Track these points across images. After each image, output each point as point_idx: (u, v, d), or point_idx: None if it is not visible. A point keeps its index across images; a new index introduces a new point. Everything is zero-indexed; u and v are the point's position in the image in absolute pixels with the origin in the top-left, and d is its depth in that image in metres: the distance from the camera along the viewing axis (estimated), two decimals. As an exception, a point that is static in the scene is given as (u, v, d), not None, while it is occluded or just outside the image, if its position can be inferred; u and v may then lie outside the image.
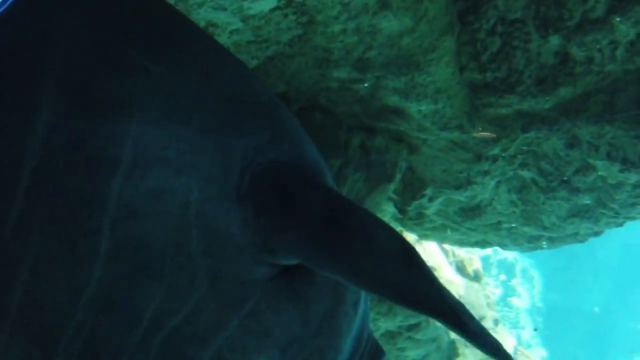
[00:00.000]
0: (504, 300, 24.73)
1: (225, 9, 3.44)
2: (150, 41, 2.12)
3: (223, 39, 3.69)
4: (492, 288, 20.31)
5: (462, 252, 14.43)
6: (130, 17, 2.13)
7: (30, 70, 1.83)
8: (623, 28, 3.74)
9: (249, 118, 2.24)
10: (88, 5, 2.03)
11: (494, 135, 4.41)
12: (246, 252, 2.13)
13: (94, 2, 2.06)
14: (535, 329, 23.32)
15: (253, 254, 2.13)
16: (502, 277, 24.99)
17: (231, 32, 3.68)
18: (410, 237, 7.78)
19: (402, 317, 6.72)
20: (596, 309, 26.01)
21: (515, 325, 24.12)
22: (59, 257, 1.84)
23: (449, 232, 5.67)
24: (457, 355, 8.25)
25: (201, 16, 3.46)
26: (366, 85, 4.12)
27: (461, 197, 4.86)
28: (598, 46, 3.88)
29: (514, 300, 25.23)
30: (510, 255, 24.78)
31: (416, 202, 4.89)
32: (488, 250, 23.27)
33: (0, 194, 1.77)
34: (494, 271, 24.38)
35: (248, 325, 2.21)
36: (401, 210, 5.12)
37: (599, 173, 4.58)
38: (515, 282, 25.38)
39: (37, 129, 1.79)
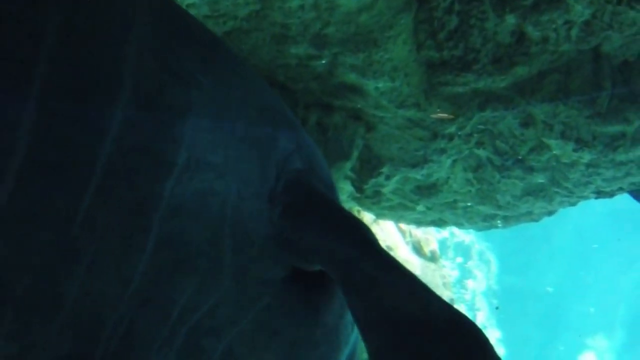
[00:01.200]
0: (460, 282, 25.01)
1: (180, -18, 3.40)
2: (202, 57, 2.33)
3: (178, 12, 3.63)
4: (448, 270, 20.53)
5: (419, 233, 14.54)
6: (188, 35, 2.35)
7: (111, 68, 1.96)
8: (578, 8, 3.77)
9: (280, 129, 2.52)
10: (159, 22, 2.22)
11: (452, 116, 4.42)
12: (269, 251, 2.33)
13: (163, 21, 2.25)
14: (497, 308, 23.63)
15: (275, 253, 2.34)
16: (459, 259, 25.25)
17: (187, 7, 3.63)
18: (367, 216, 7.80)
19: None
20: (549, 289, 26.44)
21: (471, 307, 24.42)
22: (113, 253, 1.95)
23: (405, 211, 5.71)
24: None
25: (156, -11, 3.39)
26: (324, 62, 4.10)
27: (418, 175, 4.88)
28: (553, 26, 3.91)
29: (470, 283, 25.54)
30: (467, 238, 25.04)
31: (373, 180, 4.89)
32: (445, 233, 23.49)
33: (74, 189, 1.86)
34: (450, 254, 24.62)
35: (260, 322, 2.39)
36: (358, 188, 5.12)
37: (553, 152, 4.63)
38: (471, 264, 25.66)
39: (113, 127, 1.91)
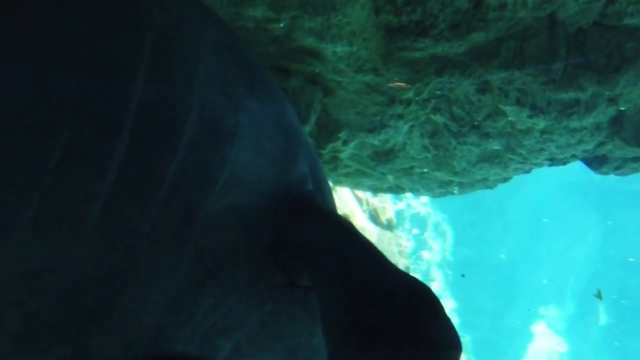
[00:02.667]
0: (416, 253, 25.27)
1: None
2: (249, 81, 2.55)
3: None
4: (404, 241, 20.69)
5: (376, 201, 14.63)
6: (240, 60, 2.58)
7: (183, 90, 2.18)
8: (535, -27, 3.80)
9: (300, 151, 2.73)
10: (220, 48, 2.45)
11: (409, 85, 4.43)
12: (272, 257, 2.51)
13: (223, 47, 2.49)
14: (462, 275, 23.89)
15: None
16: (415, 231, 25.49)
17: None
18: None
19: None
20: (503, 256, 26.82)
21: (426, 277, 24.70)
22: (161, 264, 2.13)
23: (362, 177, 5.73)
24: None
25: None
26: (282, 25, 4.07)
27: (375, 140, 4.89)
28: (511, -8, 3.94)
29: (425, 254, 25.82)
30: (423, 209, 25.27)
31: (331, 145, 4.89)
32: (402, 205, 23.67)
33: (146, 204, 2.08)
34: (407, 225, 24.84)
35: (267, 324, 2.56)
36: (316, 154, 5.13)
37: (509, 118, 4.68)
38: (427, 235, 25.93)
39: (181, 147, 2.13)
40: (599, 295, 19.37)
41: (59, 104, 1.85)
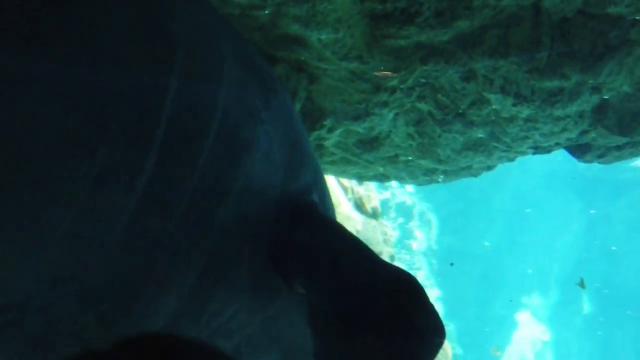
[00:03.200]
0: (401, 242, 25.33)
1: None
2: (265, 95, 2.68)
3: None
4: (390, 231, 20.75)
5: (361, 190, 14.66)
6: (258, 74, 2.70)
7: (205, 107, 2.29)
8: (519, -39, 3.80)
9: (304, 163, 2.88)
10: (240, 62, 2.58)
11: (395, 74, 4.43)
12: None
13: (243, 62, 2.62)
14: (451, 264, 23.96)
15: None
16: (400, 220, 25.54)
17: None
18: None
19: None
20: (487, 244, 26.93)
21: (411, 266, 24.79)
22: (178, 270, 2.24)
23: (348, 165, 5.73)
24: None
25: None
26: (267, 12, 4.06)
27: (360, 128, 4.89)
28: (495, -21, 3.95)
29: (410, 243, 25.89)
30: (408, 199, 25.32)
31: (316, 133, 4.89)
32: (387, 194, 23.71)
33: (171, 218, 2.19)
34: (392, 214, 24.89)
35: (267, 327, 2.71)
36: (301, 142, 5.12)
37: (493, 106, 4.70)
38: (412, 225, 25.99)
39: (201, 159, 2.23)
40: (581, 284, 19.51)
41: (97, 121, 1.91)
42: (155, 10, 2.21)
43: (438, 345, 2.51)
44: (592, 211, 27.90)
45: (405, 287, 2.53)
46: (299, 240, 2.65)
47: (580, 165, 26.34)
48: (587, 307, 27.97)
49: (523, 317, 27.22)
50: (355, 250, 2.69)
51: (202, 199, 2.25)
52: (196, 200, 2.22)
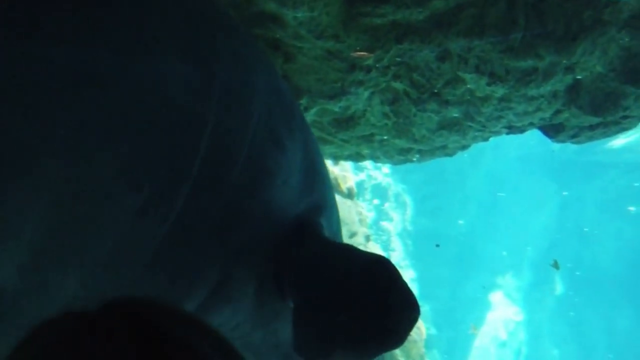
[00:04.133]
0: (376, 223, 25.41)
1: None
2: (288, 122, 2.78)
3: None
4: (365, 212, 20.81)
5: (337, 170, 14.69)
6: (283, 102, 2.83)
7: (238, 137, 2.41)
8: (495, -60, 3.81)
9: (316, 185, 2.99)
10: (270, 90, 2.70)
11: (370, 54, 4.43)
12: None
13: (272, 93, 2.74)
14: (437, 245, 24.03)
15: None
16: (376, 201, 25.61)
17: None
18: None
19: None
20: (461, 222, 27.09)
21: (386, 247, 24.89)
22: (190, 293, 2.37)
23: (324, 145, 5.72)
24: None
25: None
26: (242, -11, 4.05)
27: (335, 107, 4.89)
28: (470, -42, 3.95)
29: (386, 224, 25.98)
30: (384, 180, 25.40)
31: (291, 112, 4.88)
32: (362, 175, 23.75)
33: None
34: (367, 195, 24.95)
35: (268, 338, 2.84)
36: (276, 121, 5.11)
37: (468, 86, 4.72)
38: (387, 206, 26.08)
39: (226, 189, 2.36)
40: (555, 266, 19.75)
41: (147, 158, 2.04)
42: (197, 47, 2.30)
43: (413, 320, 2.59)
44: (565, 193, 28.18)
45: (378, 267, 2.62)
46: (297, 260, 2.71)
47: (554, 148, 26.52)
48: (559, 288, 28.30)
49: (496, 298, 27.50)
50: (339, 252, 2.85)
51: (223, 225, 2.36)
52: (217, 225, 2.34)
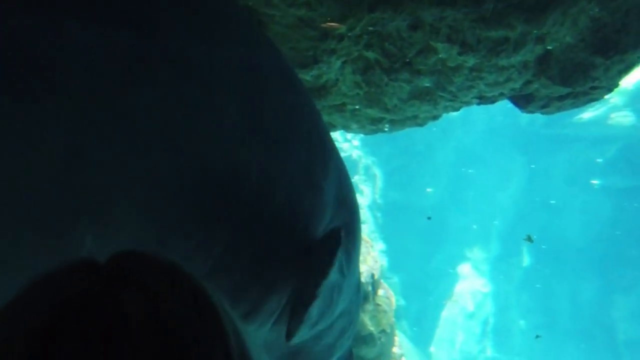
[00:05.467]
0: (346, 196, 25.42)
1: None
2: (325, 164, 2.97)
3: None
4: (335, 184, 20.79)
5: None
6: (321, 147, 2.99)
7: (276, 182, 2.63)
8: None
9: (344, 212, 3.16)
10: (310, 137, 2.88)
11: (342, 25, 4.41)
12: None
13: (315, 135, 2.94)
14: (429, 218, 24.14)
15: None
16: (346, 174, 25.60)
17: None
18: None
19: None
20: (429, 190, 27.22)
21: (356, 219, 24.93)
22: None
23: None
24: None
25: None
26: (213, -44, 3.99)
27: (307, 76, 4.87)
28: None
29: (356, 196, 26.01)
30: (354, 153, 25.41)
31: (263, 80, 4.86)
32: (332, 148, 23.70)
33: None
34: (337, 168, 24.93)
35: (276, 337, 2.93)
36: (248, 90, 5.08)
37: (440, 55, 4.73)
38: (357, 179, 26.13)
39: None
40: (529, 239, 20.05)
41: (196, 216, 2.25)
42: (251, 100, 2.49)
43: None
44: (532, 166, 28.45)
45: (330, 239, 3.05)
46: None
47: (522, 121, 26.66)
48: (526, 260, 28.65)
49: (465, 270, 27.80)
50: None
51: (258, 263, 2.56)
52: (253, 263, 2.54)
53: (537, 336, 24.15)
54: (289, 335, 2.75)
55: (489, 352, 26.78)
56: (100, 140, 1.95)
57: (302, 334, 2.83)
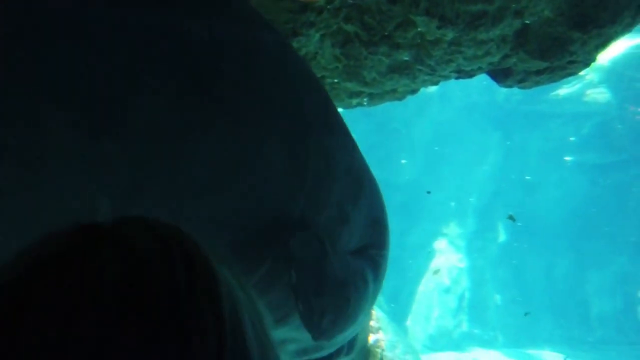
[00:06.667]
0: (323, 173, 25.43)
1: None
2: (355, 195, 3.14)
3: None
4: (312, 161, 20.81)
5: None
6: (354, 176, 3.19)
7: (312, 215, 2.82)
8: None
9: (372, 232, 3.44)
10: (348, 171, 3.11)
11: (319, 0, 4.40)
12: None
13: (352, 169, 3.18)
14: (428, 192, 24.12)
15: None
16: (322, 150, 25.60)
17: None
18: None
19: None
20: (403, 161, 27.26)
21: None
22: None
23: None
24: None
25: None
26: None
27: (286, 49, 4.85)
28: None
29: (333, 174, 26.01)
30: (330, 129, 25.37)
31: (242, 53, 4.83)
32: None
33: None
34: (314, 145, 24.92)
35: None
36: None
37: (419, 29, 4.73)
38: (334, 155, 26.12)
39: None
40: (511, 219, 20.27)
41: (240, 249, 2.48)
42: (297, 146, 2.68)
43: None
44: (508, 142, 28.62)
45: None
46: None
47: (499, 98, 26.71)
48: (502, 236, 28.90)
49: (441, 246, 27.98)
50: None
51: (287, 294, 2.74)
52: (283, 286, 2.73)
53: (526, 313, 24.50)
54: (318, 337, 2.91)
55: (465, 326, 27.05)
56: (160, 178, 2.22)
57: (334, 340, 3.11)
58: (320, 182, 2.79)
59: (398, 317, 25.09)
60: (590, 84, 25.63)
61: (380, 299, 23.75)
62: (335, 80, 5.40)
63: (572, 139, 27.67)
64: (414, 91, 5.83)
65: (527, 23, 4.96)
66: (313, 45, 4.82)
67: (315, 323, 2.79)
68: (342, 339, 3.39)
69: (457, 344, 26.02)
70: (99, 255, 0.92)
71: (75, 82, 2.05)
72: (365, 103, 5.77)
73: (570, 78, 6.02)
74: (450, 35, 4.76)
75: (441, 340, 25.87)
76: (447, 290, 26.97)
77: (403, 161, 27.34)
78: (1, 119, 2.00)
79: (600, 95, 26.19)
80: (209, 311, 0.94)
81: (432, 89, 6.00)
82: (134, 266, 0.92)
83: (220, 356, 0.90)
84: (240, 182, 2.43)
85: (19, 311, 0.84)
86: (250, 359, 0.95)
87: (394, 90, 5.62)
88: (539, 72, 5.43)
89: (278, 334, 2.99)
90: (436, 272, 24.93)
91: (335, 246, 2.96)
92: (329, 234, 2.89)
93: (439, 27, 4.66)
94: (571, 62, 5.32)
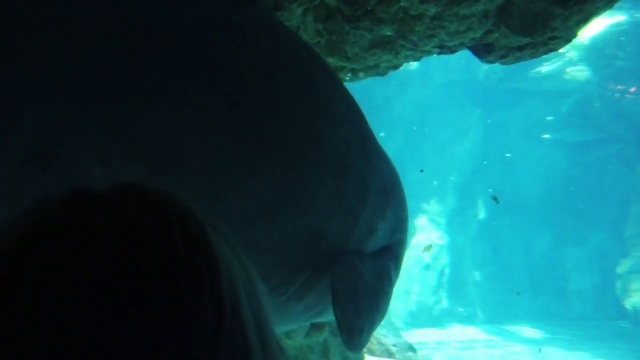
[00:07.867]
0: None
1: None
2: (383, 208, 3.23)
3: None
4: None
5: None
6: (384, 192, 3.26)
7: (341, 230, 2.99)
8: None
9: (397, 233, 3.54)
10: (381, 190, 3.25)
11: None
12: None
13: (384, 189, 3.30)
14: (421, 171, 24.21)
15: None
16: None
17: None
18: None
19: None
20: (382, 134, 27.29)
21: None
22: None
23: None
24: None
25: None
26: None
27: (269, 23, 4.82)
28: None
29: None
30: (312, 106, 25.32)
31: (224, 27, 4.79)
32: (291, 102, 23.61)
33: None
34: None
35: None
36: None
37: (402, 4, 4.70)
38: (315, 133, 26.09)
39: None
40: (495, 200, 20.41)
41: (278, 266, 2.73)
42: (337, 183, 2.84)
43: None
44: (489, 120, 28.73)
45: None
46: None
47: (480, 75, 26.73)
48: (482, 213, 29.08)
49: (421, 223, 28.11)
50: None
51: (327, 291, 2.94)
52: (317, 296, 3.00)
53: (518, 294, 24.74)
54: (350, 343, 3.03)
55: (445, 303, 27.28)
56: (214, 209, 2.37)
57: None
58: (354, 209, 2.94)
59: (379, 294, 25.19)
60: (570, 62, 25.75)
61: (361, 276, 23.87)
62: (318, 56, 5.37)
63: (549, 118, 27.81)
64: (396, 67, 5.81)
65: (509, -2, 4.96)
66: (296, 20, 4.79)
67: (355, 342, 2.94)
68: None
69: (437, 321, 26.25)
70: (94, 225, 0.91)
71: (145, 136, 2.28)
72: (348, 79, 5.75)
73: (550, 55, 6.02)
74: (433, 10, 4.75)
75: (421, 317, 26.08)
76: (427, 267, 27.15)
77: (382, 134, 27.36)
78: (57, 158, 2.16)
79: (580, 73, 26.34)
80: (208, 284, 0.93)
81: (413, 66, 6.02)
82: (130, 235, 0.91)
83: (219, 330, 0.90)
84: (287, 215, 2.62)
85: (15, 285, 0.84)
86: (246, 332, 0.94)
87: (376, 66, 5.61)
88: (520, 48, 5.43)
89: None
90: (428, 248, 25.04)
91: (364, 256, 3.12)
92: (358, 247, 3.06)
93: (422, 2, 4.65)
94: (553, 38, 5.33)
